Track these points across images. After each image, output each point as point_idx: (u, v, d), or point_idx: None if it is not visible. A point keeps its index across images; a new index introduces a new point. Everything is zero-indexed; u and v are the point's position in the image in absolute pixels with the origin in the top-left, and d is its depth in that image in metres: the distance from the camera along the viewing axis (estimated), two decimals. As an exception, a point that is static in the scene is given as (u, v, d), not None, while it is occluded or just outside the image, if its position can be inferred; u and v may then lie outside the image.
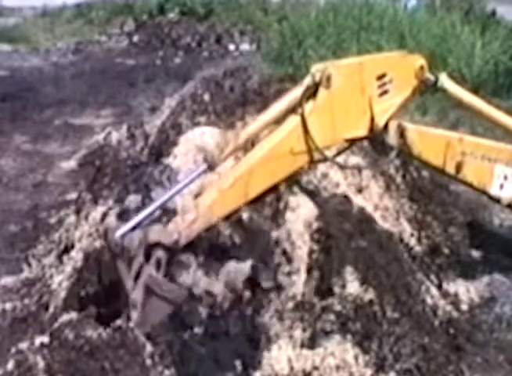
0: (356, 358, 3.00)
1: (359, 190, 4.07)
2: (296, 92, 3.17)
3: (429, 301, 3.55)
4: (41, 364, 2.90)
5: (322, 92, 3.15)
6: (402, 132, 3.40)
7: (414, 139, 3.42)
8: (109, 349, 2.94)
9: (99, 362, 2.90)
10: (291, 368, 2.96)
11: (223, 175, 3.10)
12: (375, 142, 3.48)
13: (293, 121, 3.14)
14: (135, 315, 2.94)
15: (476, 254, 4.23)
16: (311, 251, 3.33)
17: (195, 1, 15.93)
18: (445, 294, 3.74)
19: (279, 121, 3.18)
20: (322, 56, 8.98)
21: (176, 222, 2.96)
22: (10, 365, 2.92)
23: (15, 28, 15.58)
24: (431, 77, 3.43)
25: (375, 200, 4.10)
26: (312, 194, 3.61)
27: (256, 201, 3.25)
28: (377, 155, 4.18)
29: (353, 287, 3.21)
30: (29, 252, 4.44)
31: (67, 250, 3.93)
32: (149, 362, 2.93)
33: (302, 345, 3.06)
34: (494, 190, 3.65)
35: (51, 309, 3.51)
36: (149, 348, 2.97)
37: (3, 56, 12.85)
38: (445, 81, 3.45)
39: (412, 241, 4.04)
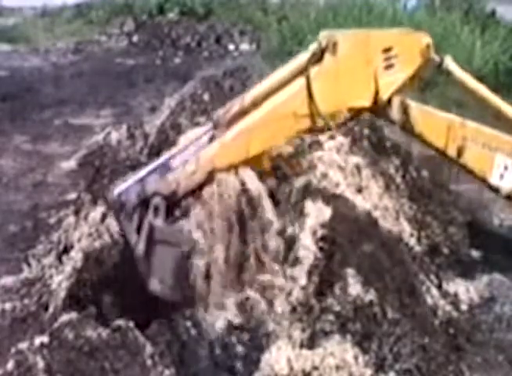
0: (356, 358, 3.00)
1: (359, 190, 4.07)
2: (302, 57, 3.22)
3: (429, 301, 3.55)
4: (41, 364, 2.90)
5: (327, 57, 3.19)
6: (405, 109, 3.43)
7: (417, 117, 3.45)
8: (109, 349, 2.95)
9: (98, 362, 2.90)
10: (291, 368, 2.95)
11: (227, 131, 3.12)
12: (379, 115, 3.52)
13: (299, 83, 3.17)
14: (141, 268, 2.88)
15: (476, 254, 4.23)
16: (314, 253, 3.33)
17: (194, 1, 15.94)
18: (444, 294, 3.74)
19: (284, 84, 3.20)
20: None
21: (175, 173, 2.97)
22: (10, 365, 2.92)
23: (15, 28, 15.60)
24: (437, 58, 3.45)
25: (375, 200, 4.09)
26: (314, 197, 3.60)
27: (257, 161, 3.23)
28: (377, 155, 4.20)
29: (355, 289, 3.20)
30: (29, 252, 4.44)
31: (67, 250, 3.93)
32: (149, 362, 2.93)
33: (302, 345, 3.06)
34: (494, 180, 3.65)
35: (51, 309, 3.51)
36: (149, 348, 2.97)
37: (3, 56, 12.85)
38: (450, 63, 3.47)
39: (412, 241, 4.03)
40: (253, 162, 3.18)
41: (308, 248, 3.31)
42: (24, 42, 14.36)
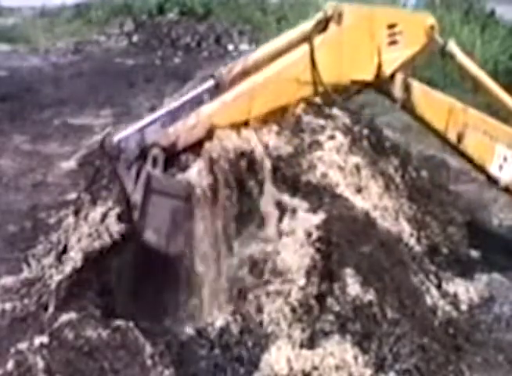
0: (356, 358, 3.00)
1: (358, 190, 4.07)
2: (307, 25, 3.25)
3: (428, 301, 3.55)
4: (41, 364, 2.90)
5: (332, 27, 3.24)
6: (407, 87, 3.45)
7: (419, 97, 3.48)
8: (109, 349, 2.95)
9: (98, 362, 2.90)
10: (290, 368, 2.96)
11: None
12: (381, 91, 3.57)
13: (303, 50, 3.21)
14: (136, 217, 2.87)
15: (475, 254, 4.23)
16: (313, 253, 3.32)
17: (194, 1, 15.92)
18: (444, 294, 3.74)
19: (287, 50, 3.25)
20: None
21: (176, 126, 2.99)
22: (10, 365, 2.93)
23: (14, 28, 15.57)
24: (440, 40, 3.47)
25: (374, 200, 4.09)
26: (313, 197, 3.61)
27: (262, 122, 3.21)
28: (377, 155, 4.19)
29: (354, 289, 3.20)
30: (28, 252, 4.44)
31: (66, 250, 3.93)
32: (148, 362, 2.93)
33: (301, 346, 3.06)
34: (493, 169, 3.66)
35: (50, 309, 3.51)
36: (148, 348, 2.97)
37: (2, 56, 12.84)
38: (453, 46, 3.49)
39: (412, 241, 4.03)
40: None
41: (305, 249, 3.31)
42: (24, 42, 14.34)
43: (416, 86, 3.49)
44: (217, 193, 3.02)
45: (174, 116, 3.11)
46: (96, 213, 3.77)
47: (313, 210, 3.48)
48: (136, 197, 2.87)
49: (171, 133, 2.98)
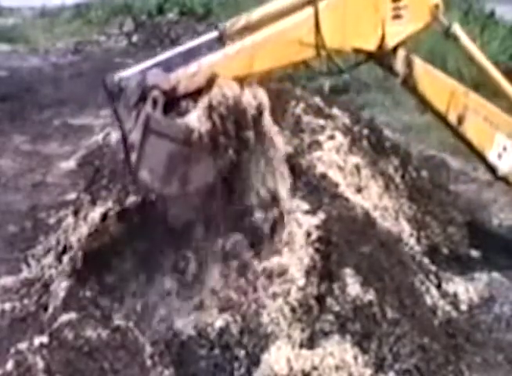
0: (355, 358, 3.00)
1: (358, 190, 4.07)
2: None
3: (428, 301, 3.55)
4: (41, 364, 2.90)
5: None
6: (409, 63, 3.51)
7: (421, 74, 3.53)
8: (109, 349, 2.95)
9: (98, 362, 2.90)
10: (290, 368, 2.95)
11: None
12: (383, 64, 3.58)
13: (307, 12, 3.21)
14: (133, 156, 2.86)
15: (475, 254, 4.23)
16: (312, 254, 3.33)
17: (194, 1, 15.92)
18: (444, 294, 3.74)
19: (292, 10, 3.26)
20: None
21: (178, 72, 3.02)
22: (9, 365, 2.93)
23: (14, 28, 15.56)
24: (445, 21, 3.51)
25: (374, 200, 4.10)
26: (313, 197, 3.61)
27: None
28: (377, 155, 4.20)
29: (354, 289, 3.21)
30: (28, 252, 4.44)
31: (66, 250, 3.93)
32: (148, 362, 2.93)
33: (301, 346, 3.06)
34: (492, 157, 3.69)
35: (50, 309, 3.51)
36: (148, 348, 2.97)
37: (2, 57, 12.83)
38: (457, 29, 3.52)
39: (412, 241, 4.04)
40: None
41: (305, 249, 3.31)
42: (23, 42, 14.33)
43: (419, 63, 3.54)
44: (215, 140, 3.03)
45: (176, 62, 3.17)
46: (96, 213, 3.78)
47: (313, 210, 3.48)
48: (134, 136, 2.86)
49: (172, 78, 2.99)
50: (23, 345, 3.04)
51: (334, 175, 3.84)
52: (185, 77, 3.00)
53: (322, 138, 4.17)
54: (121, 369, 2.90)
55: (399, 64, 3.51)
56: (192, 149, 2.96)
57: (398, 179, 4.40)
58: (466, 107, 3.58)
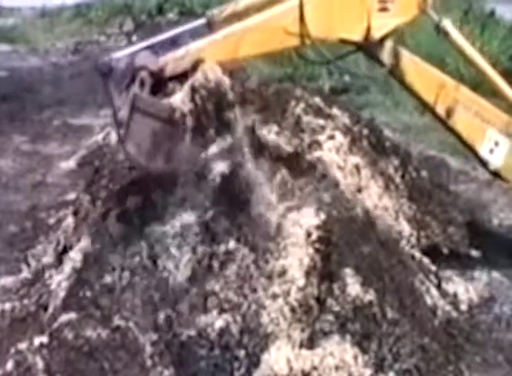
0: (355, 358, 3.01)
1: (359, 190, 4.07)
2: None
3: (428, 301, 3.55)
4: (41, 364, 2.91)
5: None
6: (396, 54, 3.57)
7: (408, 65, 3.61)
8: (109, 349, 2.95)
9: (98, 362, 2.90)
10: (290, 368, 2.95)
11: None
12: (370, 54, 3.66)
13: (294, 1, 3.28)
14: (121, 132, 3.04)
15: (475, 253, 4.23)
16: (312, 254, 3.33)
17: (194, 1, 15.92)
18: (444, 294, 3.74)
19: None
20: (322, 56, 8.98)
21: (166, 55, 3.18)
22: (9, 365, 2.93)
23: (14, 28, 15.56)
24: (435, 16, 3.54)
25: (374, 200, 4.09)
26: (313, 197, 3.61)
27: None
28: (377, 155, 4.19)
29: (354, 289, 3.21)
30: (28, 252, 4.44)
31: (66, 250, 3.93)
32: (148, 362, 2.93)
33: (301, 346, 3.06)
34: (483, 151, 3.71)
35: (50, 310, 3.51)
36: (148, 348, 2.97)
37: (2, 56, 12.83)
38: (448, 24, 3.56)
39: (412, 241, 4.03)
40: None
41: (305, 250, 3.31)
42: (23, 42, 14.33)
43: (406, 55, 3.60)
44: (198, 121, 3.18)
45: (165, 46, 3.34)
46: (96, 213, 3.78)
47: (313, 210, 3.47)
48: (122, 113, 3.03)
49: (160, 60, 3.15)
50: (23, 345, 3.04)
51: (334, 175, 3.83)
52: (173, 60, 3.16)
53: (322, 138, 4.16)
54: (121, 369, 2.90)
55: (386, 55, 3.57)
56: (174, 127, 3.12)
57: (398, 179, 4.40)
58: (456, 101, 3.62)
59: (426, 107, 3.75)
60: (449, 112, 3.63)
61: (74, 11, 17.12)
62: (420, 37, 8.86)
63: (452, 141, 4.39)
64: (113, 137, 6.10)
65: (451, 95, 3.63)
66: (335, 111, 4.47)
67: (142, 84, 3.08)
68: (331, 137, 4.21)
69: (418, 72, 3.62)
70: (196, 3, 15.81)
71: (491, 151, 3.71)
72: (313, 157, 3.86)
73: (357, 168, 4.14)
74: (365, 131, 4.50)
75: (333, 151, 4.06)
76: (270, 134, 3.92)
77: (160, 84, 3.15)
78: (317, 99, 4.46)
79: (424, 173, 4.58)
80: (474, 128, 3.69)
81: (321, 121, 4.28)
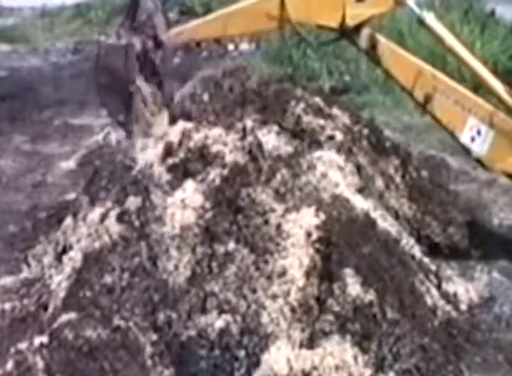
0: (355, 358, 3.00)
1: (358, 190, 4.06)
2: None
3: (428, 301, 3.55)
4: (41, 364, 2.91)
5: None
6: (373, 42, 3.75)
7: (385, 51, 3.75)
8: (109, 349, 2.95)
9: (98, 362, 2.90)
10: (290, 368, 2.95)
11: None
12: (349, 41, 3.91)
13: None
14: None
15: (475, 253, 4.23)
16: (312, 254, 3.32)
17: (194, 1, 15.92)
18: (444, 294, 3.74)
19: None
20: (322, 56, 8.98)
21: (171, 30, 3.95)
22: (9, 365, 2.93)
23: (14, 28, 15.55)
24: (416, 8, 3.64)
25: (374, 201, 4.09)
26: (313, 197, 3.60)
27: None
28: (377, 155, 4.19)
29: (354, 289, 3.20)
30: (28, 252, 4.44)
31: (66, 250, 3.93)
32: (148, 362, 2.93)
33: (301, 346, 3.06)
34: (464, 139, 3.75)
35: (50, 309, 3.51)
36: (148, 348, 2.97)
37: (2, 56, 12.82)
38: (427, 16, 3.64)
39: (412, 241, 4.03)
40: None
41: (305, 250, 3.31)
42: (23, 42, 14.31)
43: (384, 42, 3.76)
44: None
45: None
46: (95, 213, 3.78)
47: (313, 210, 3.47)
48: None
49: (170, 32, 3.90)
50: (23, 345, 3.04)
51: (334, 175, 3.83)
52: (173, 33, 3.91)
53: (322, 138, 4.16)
54: (121, 369, 2.90)
55: (363, 42, 3.76)
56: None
57: (398, 179, 4.40)
58: (435, 88, 3.68)
59: (404, 91, 3.85)
60: (428, 98, 3.72)
61: (74, 11, 17.11)
62: (420, 37, 8.87)
63: (452, 141, 4.38)
64: (113, 137, 6.12)
65: (429, 83, 3.72)
66: (335, 111, 4.47)
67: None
68: (331, 137, 4.21)
69: (395, 58, 3.76)
70: (196, 3, 15.81)
71: (472, 139, 3.74)
72: (313, 157, 3.86)
73: (357, 167, 4.14)
74: (366, 131, 4.50)
75: (333, 151, 4.06)
76: (270, 134, 3.92)
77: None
78: (317, 99, 4.47)
79: (424, 173, 4.58)
80: (454, 115, 3.74)
81: (321, 121, 4.28)
